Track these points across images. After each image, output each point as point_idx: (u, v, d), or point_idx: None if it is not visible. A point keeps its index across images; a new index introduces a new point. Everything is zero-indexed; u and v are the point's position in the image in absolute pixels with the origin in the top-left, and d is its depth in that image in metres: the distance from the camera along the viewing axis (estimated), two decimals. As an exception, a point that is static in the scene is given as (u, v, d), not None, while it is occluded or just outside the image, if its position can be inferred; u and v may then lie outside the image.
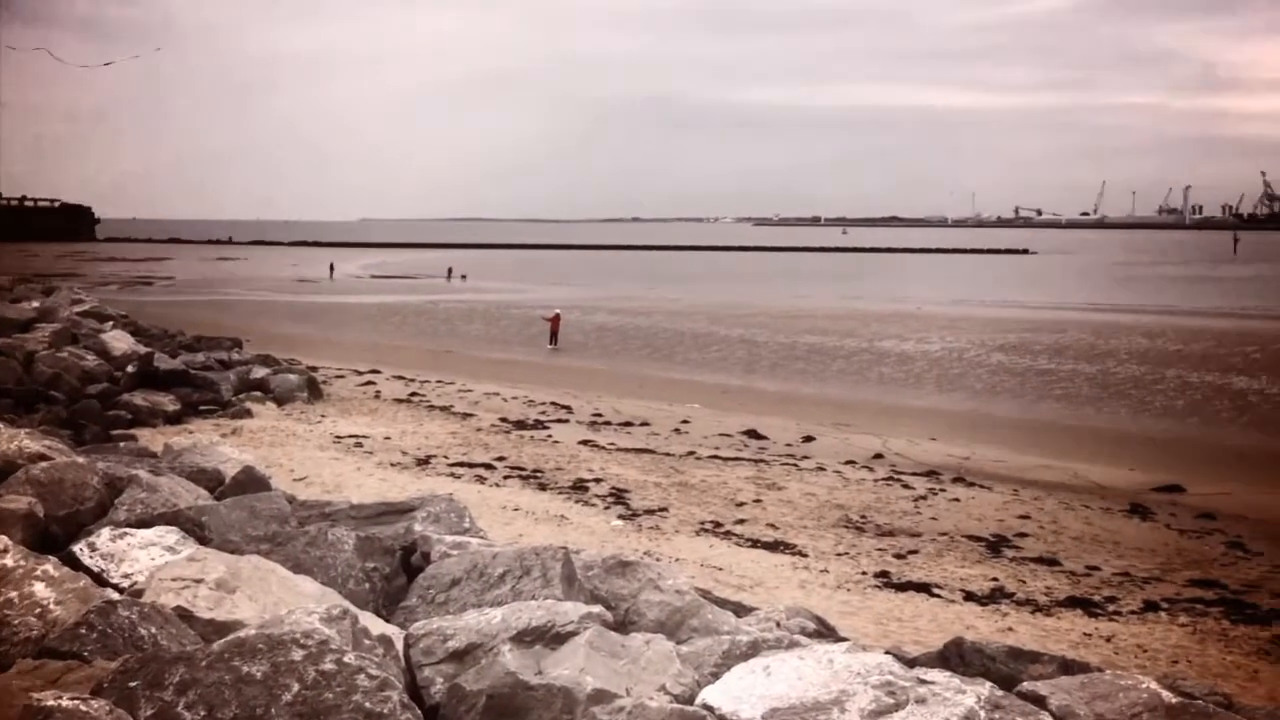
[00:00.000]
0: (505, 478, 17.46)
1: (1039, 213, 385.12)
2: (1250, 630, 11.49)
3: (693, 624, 6.99)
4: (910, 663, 6.55)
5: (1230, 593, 12.98)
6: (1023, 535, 15.41)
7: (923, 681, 4.95)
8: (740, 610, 8.16)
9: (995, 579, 13.15)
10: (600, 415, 24.59)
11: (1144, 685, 5.64)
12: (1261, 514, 17.19)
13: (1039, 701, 5.30)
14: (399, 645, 5.41)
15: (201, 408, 21.80)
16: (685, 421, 24.06)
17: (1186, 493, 18.53)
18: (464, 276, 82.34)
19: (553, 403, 25.96)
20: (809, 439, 22.39)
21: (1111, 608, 12.16)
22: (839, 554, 13.92)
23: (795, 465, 19.69)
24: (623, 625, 6.76)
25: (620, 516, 15.25)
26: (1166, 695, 5.57)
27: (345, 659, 4.32)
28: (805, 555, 13.74)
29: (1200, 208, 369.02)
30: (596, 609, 6.16)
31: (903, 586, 12.56)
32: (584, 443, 21.02)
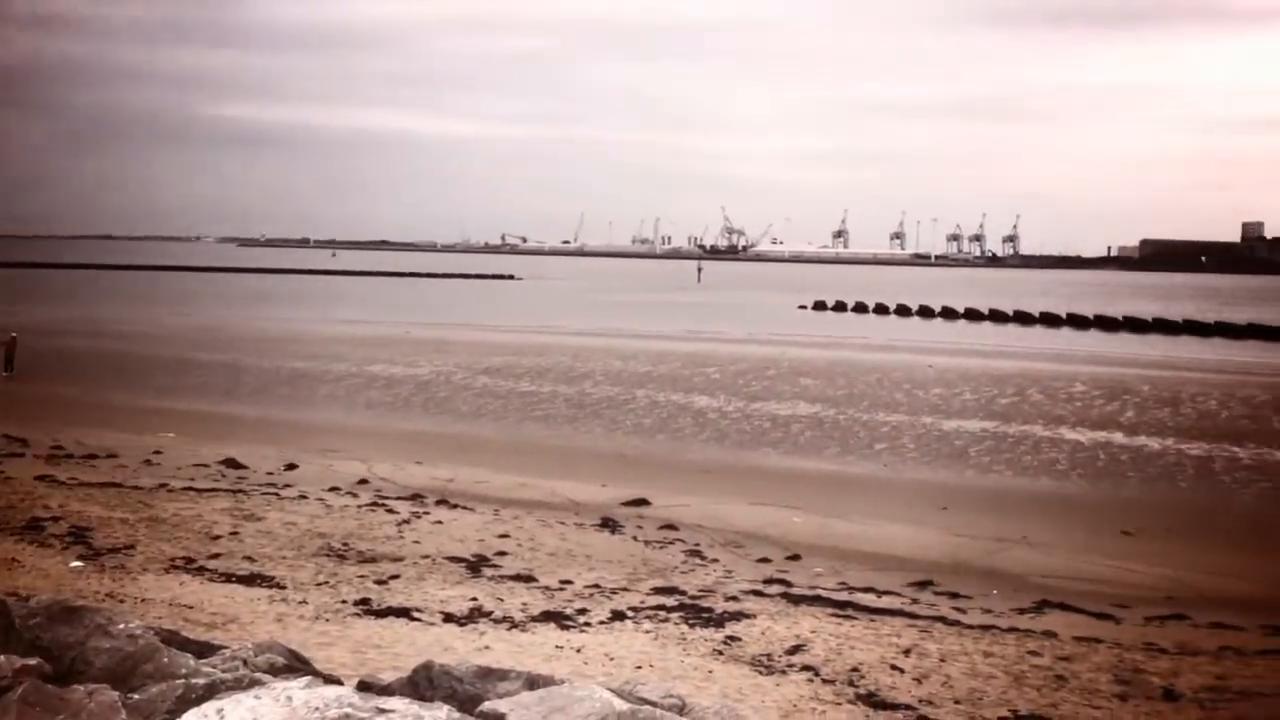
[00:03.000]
0: (-56, 520, 15.74)
1: (524, 240, 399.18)
2: (706, 633, 12.36)
3: (147, 669, 6.54)
4: (383, 690, 6.50)
5: (689, 598, 13.94)
6: (502, 554, 15.82)
7: (381, 711, 4.90)
8: (206, 650, 7.75)
9: (474, 599, 13.38)
10: (61, 448, 22.79)
11: (598, 695, 5.88)
12: (716, 523, 18.67)
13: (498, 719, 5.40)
14: None
15: None
16: (157, 452, 22.80)
17: (652, 505, 19.76)
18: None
19: (5, 435, 23.75)
20: (292, 467, 21.87)
21: (583, 619, 12.70)
22: (319, 583, 13.66)
23: (276, 494, 19.15)
24: (67, 676, 6.25)
25: (81, 557, 14.16)
26: (618, 703, 5.82)
27: None
28: (284, 587, 13.37)
29: (669, 238, 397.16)
30: (34, 661, 5.64)
31: (383, 613, 12.51)
32: (41, 478, 19.37)
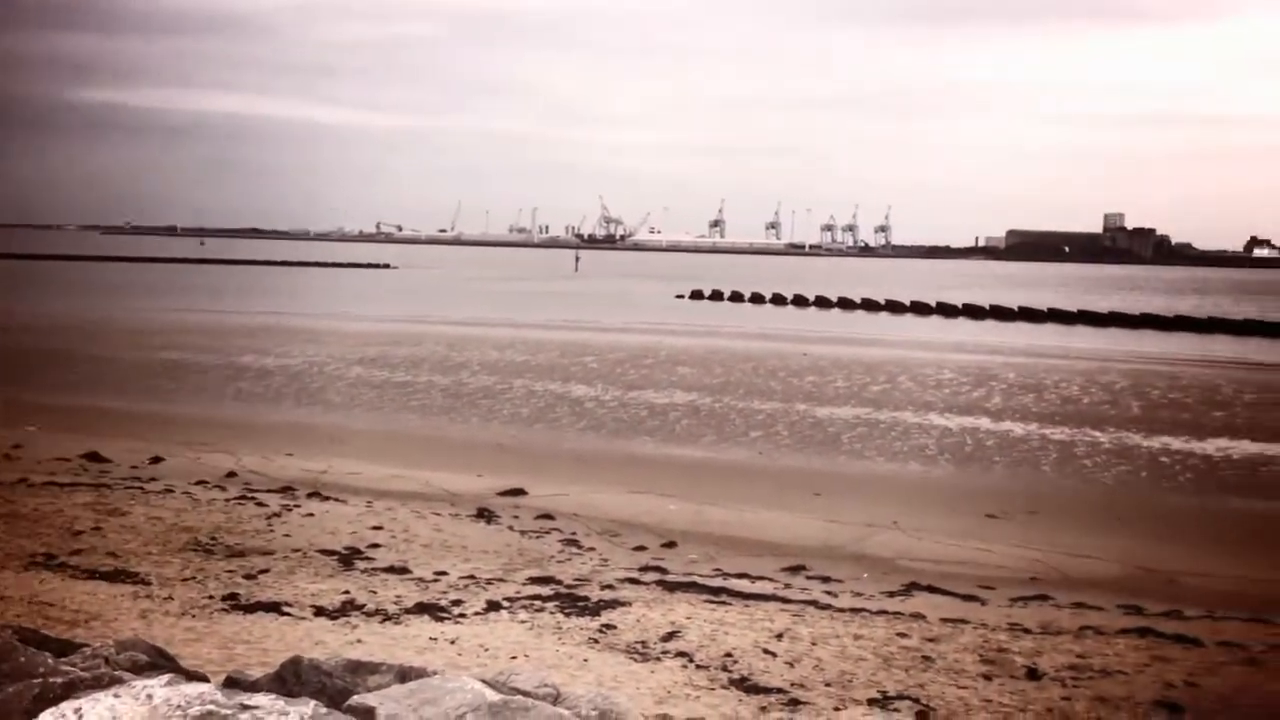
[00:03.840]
0: None
1: (399, 229, 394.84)
2: (582, 621, 12.35)
3: (3, 669, 6.35)
4: (250, 687, 6.37)
5: (565, 587, 13.93)
6: (376, 546, 15.64)
7: (245, 707, 4.81)
8: (66, 648, 7.54)
9: (347, 592, 13.21)
10: (-88, 443, 21.93)
11: (470, 686, 5.85)
12: (593, 511, 18.70)
13: (368, 714, 5.33)
14: None
15: None
16: (17, 446, 22.05)
17: (529, 495, 19.71)
18: None
19: None
20: (157, 460, 21.34)
21: (457, 610, 12.61)
22: (185, 579, 13.35)
23: (141, 488, 18.66)
24: (-85, 682, 6.01)
25: (-67, 555, 13.64)
26: (490, 694, 5.80)
27: None
28: (148, 583, 13.03)
29: (547, 227, 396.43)
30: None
31: (252, 608, 12.27)
32: (-109, 474, 18.62)
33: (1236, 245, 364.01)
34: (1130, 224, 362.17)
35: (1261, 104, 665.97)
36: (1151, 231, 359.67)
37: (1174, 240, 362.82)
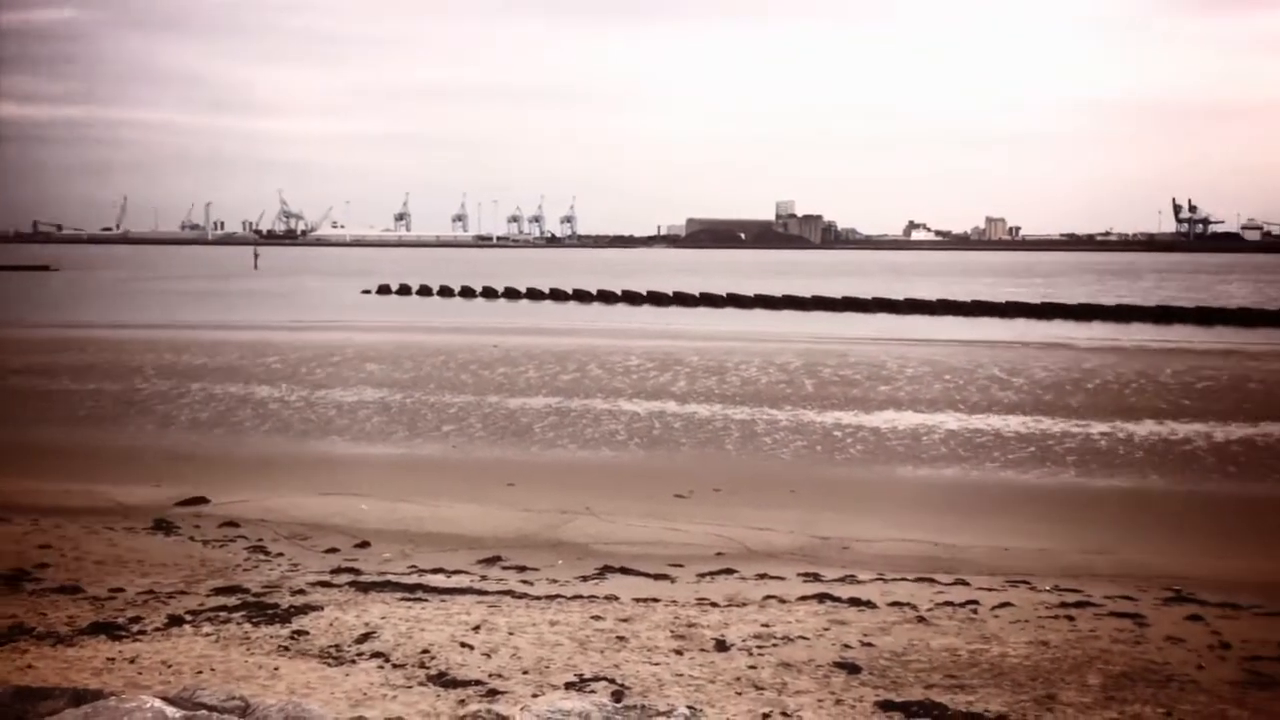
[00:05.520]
0: None
1: (59, 228, 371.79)
2: (271, 629, 11.98)
3: None
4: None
5: (253, 596, 13.46)
6: (44, 566, 14.69)
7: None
8: None
9: (14, 615, 12.33)
10: None
11: (149, 704, 5.62)
12: (281, 516, 18.17)
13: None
14: None
15: None
16: None
17: (211, 503, 18.96)
18: None
19: None
20: None
21: (136, 628, 11.99)
22: None
23: None
24: None
25: None
26: (171, 711, 5.60)
27: None
28: None
29: (222, 223, 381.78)
30: None
31: (-97, 642, 11.28)
32: None
33: (897, 230, 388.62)
34: (800, 211, 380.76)
35: (917, 97, 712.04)
36: (819, 218, 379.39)
37: (840, 226, 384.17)
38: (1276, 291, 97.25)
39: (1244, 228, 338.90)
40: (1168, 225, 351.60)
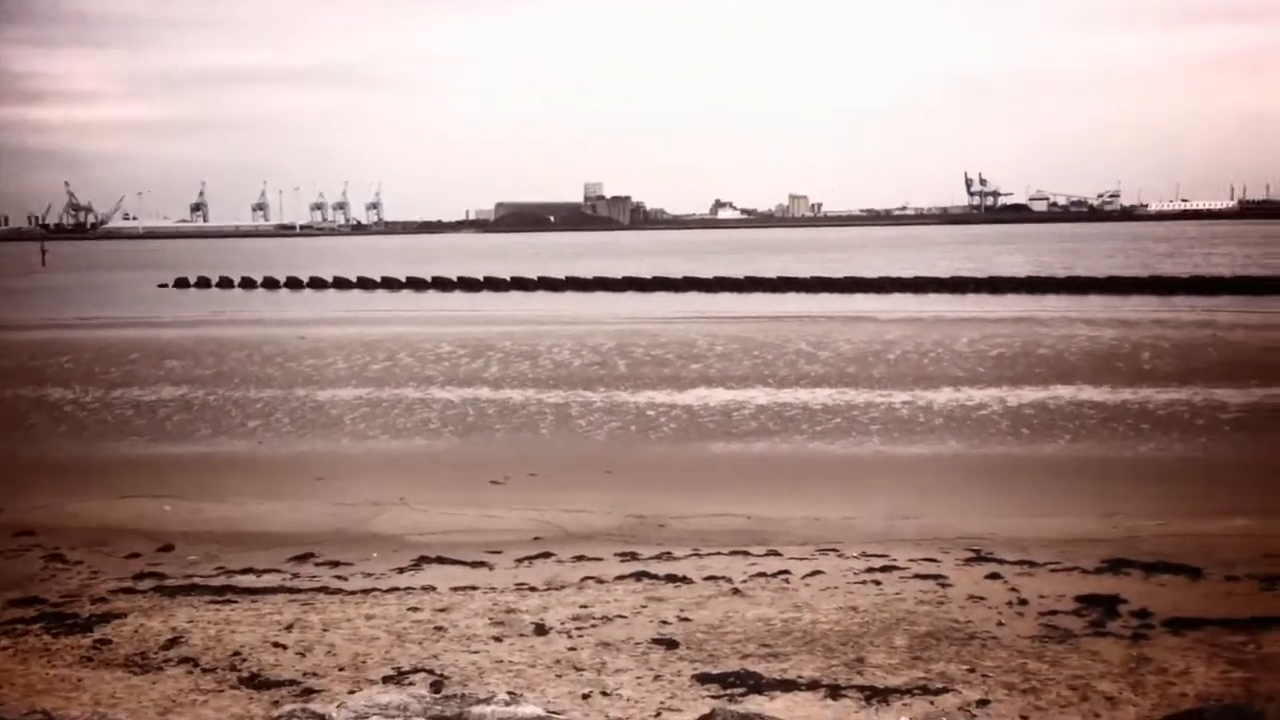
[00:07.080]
0: None
1: None
2: (72, 640, 11.53)
3: None
4: None
5: (51, 606, 12.93)
6: None
7: None
8: None
9: None
10: None
11: (-64, 729, 5.34)
12: (79, 522, 17.46)
13: None
14: None
15: None
16: None
17: (3, 512, 18.09)
18: None
19: None
20: None
21: (-76, 648, 11.39)
22: None
23: None
24: None
25: None
26: (-40, 734, 5.33)
27: None
28: None
29: (6, 218, 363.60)
30: None
31: None
32: None
33: (704, 209, 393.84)
34: (609, 193, 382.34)
35: (725, 77, 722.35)
36: (628, 199, 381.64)
37: (649, 206, 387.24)
38: (1053, 259, 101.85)
39: (1031, 199, 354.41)
40: (960, 199, 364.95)
